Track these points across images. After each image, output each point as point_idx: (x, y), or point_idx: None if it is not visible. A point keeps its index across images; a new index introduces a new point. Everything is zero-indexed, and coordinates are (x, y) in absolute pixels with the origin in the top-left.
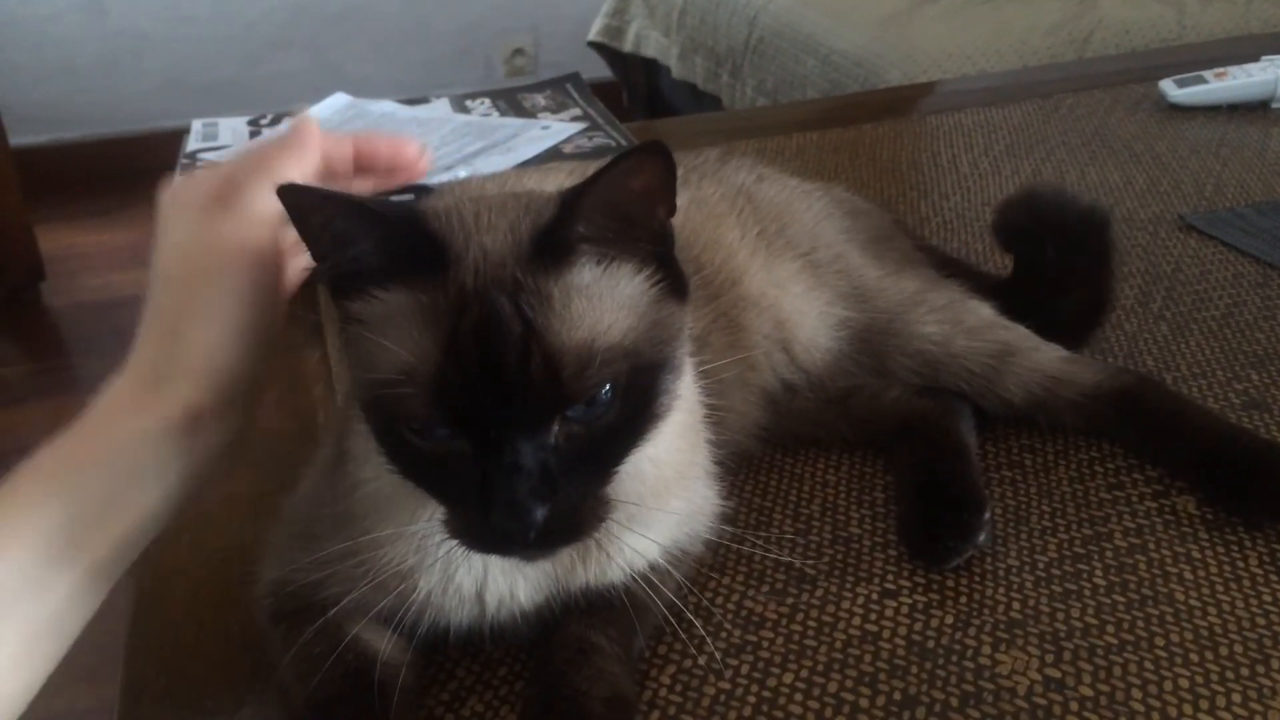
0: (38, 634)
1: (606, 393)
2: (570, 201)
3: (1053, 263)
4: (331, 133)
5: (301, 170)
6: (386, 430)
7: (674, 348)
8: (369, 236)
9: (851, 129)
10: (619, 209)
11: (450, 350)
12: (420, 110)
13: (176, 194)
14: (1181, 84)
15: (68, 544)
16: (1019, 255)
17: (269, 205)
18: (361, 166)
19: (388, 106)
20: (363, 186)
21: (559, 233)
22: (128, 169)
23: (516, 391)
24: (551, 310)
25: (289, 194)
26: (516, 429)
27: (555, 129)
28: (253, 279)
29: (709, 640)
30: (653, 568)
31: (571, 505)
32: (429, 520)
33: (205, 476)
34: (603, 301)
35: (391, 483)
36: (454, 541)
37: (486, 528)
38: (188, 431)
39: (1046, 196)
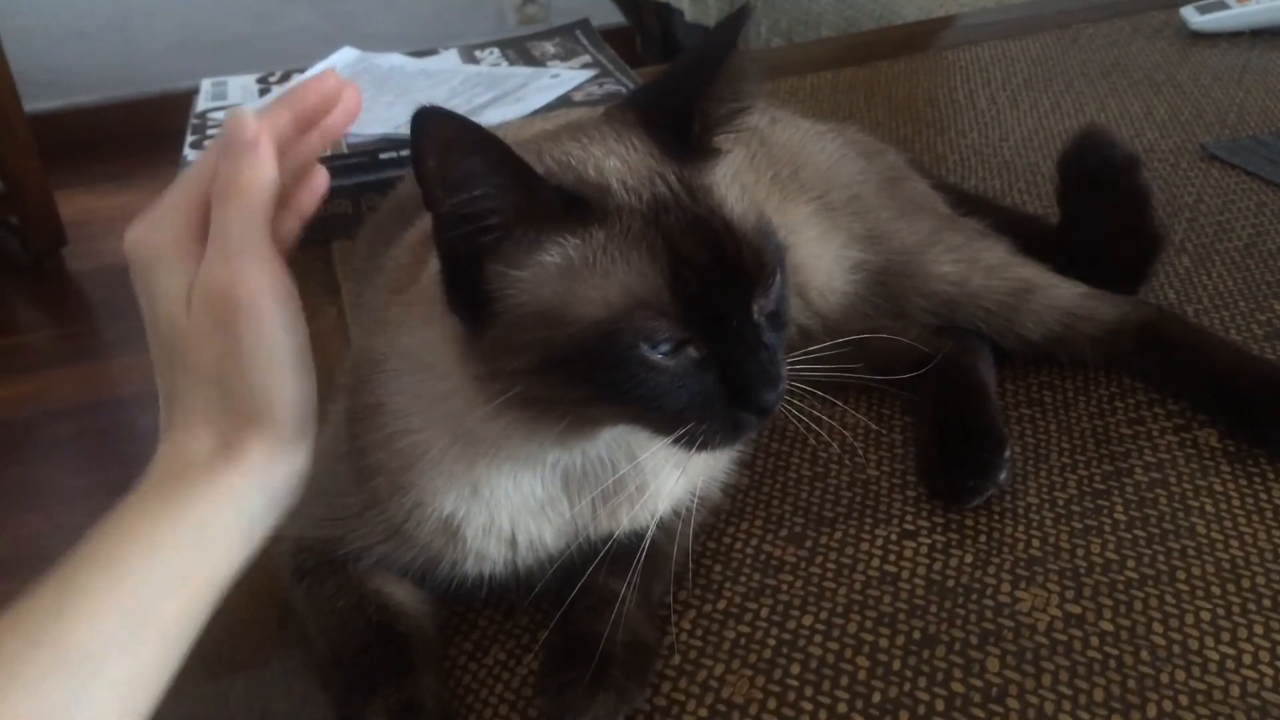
0: (128, 690)
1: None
2: (686, 105)
3: (1088, 212)
4: (265, 110)
5: (259, 178)
6: (600, 371)
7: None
8: (499, 177)
9: (867, 67)
10: (721, 105)
11: (676, 263)
12: (429, 62)
13: (147, 240)
14: (1203, 10)
15: (148, 608)
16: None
17: (256, 234)
18: (305, 123)
19: (396, 59)
20: (314, 144)
21: (688, 134)
22: (145, 131)
23: (739, 281)
24: (723, 203)
25: (428, 120)
26: (743, 315)
27: (565, 77)
28: (282, 308)
29: (728, 585)
30: (674, 514)
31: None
32: (487, 468)
33: (281, 502)
34: (737, 187)
35: (447, 433)
36: (686, 448)
37: (736, 412)
38: (267, 469)
39: (1083, 145)
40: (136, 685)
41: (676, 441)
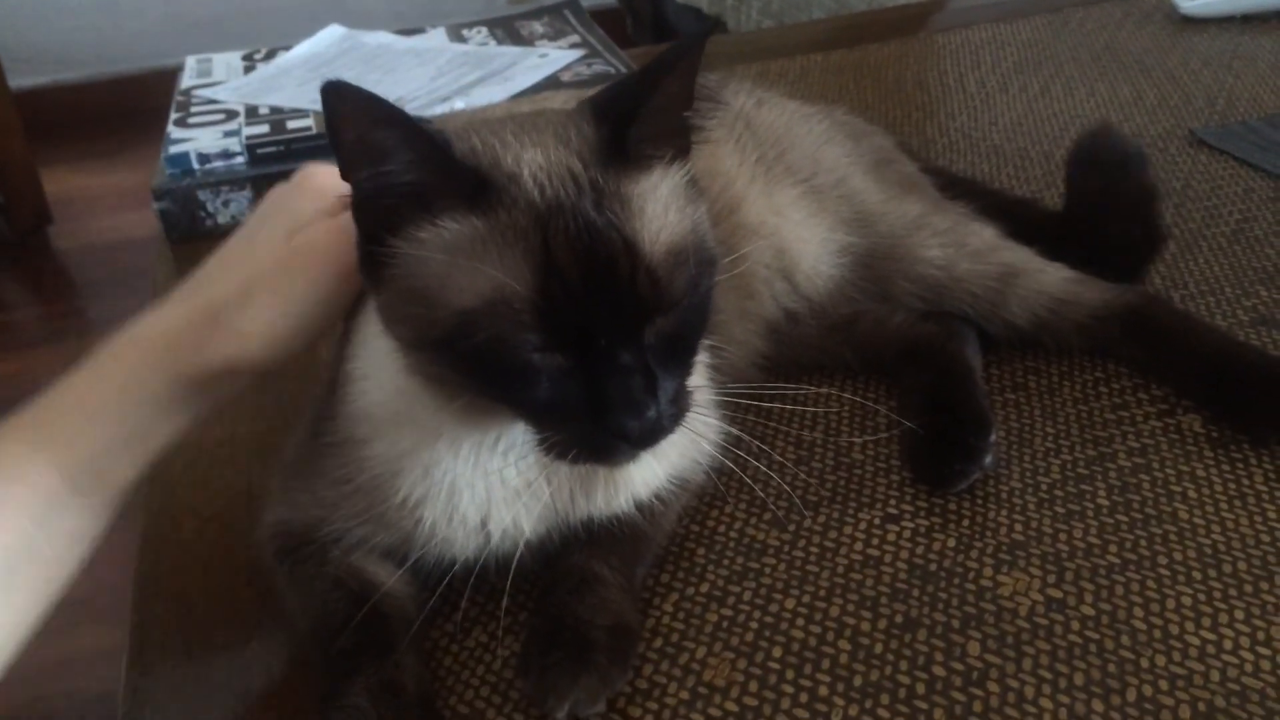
0: (70, 541)
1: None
2: (631, 107)
3: (1096, 203)
4: None
5: None
6: (470, 359)
7: (710, 232)
8: (408, 153)
9: (857, 50)
10: (666, 109)
11: (548, 268)
12: (417, 41)
13: (323, 174)
14: None
15: (95, 472)
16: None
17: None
18: None
19: (384, 38)
20: None
21: (625, 138)
22: (130, 109)
23: (622, 301)
24: (635, 216)
25: (330, 92)
26: (621, 335)
27: (553, 57)
28: (330, 275)
29: (711, 568)
30: (655, 497)
31: (669, 399)
32: (434, 448)
33: (217, 411)
34: (666, 201)
35: (389, 400)
36: (552, 455)
37: (601, 432)
38: (223, 380)
39: (1096, 139)
40: (68, 545)
41: (542, 444)
